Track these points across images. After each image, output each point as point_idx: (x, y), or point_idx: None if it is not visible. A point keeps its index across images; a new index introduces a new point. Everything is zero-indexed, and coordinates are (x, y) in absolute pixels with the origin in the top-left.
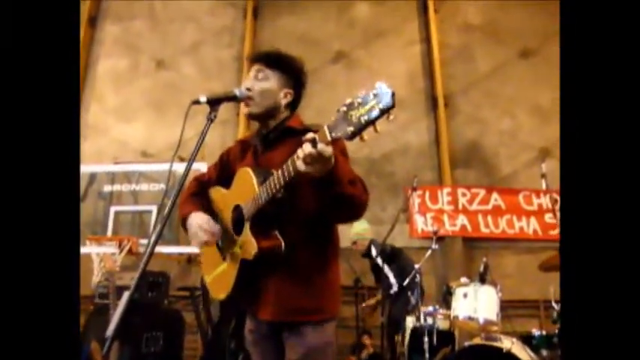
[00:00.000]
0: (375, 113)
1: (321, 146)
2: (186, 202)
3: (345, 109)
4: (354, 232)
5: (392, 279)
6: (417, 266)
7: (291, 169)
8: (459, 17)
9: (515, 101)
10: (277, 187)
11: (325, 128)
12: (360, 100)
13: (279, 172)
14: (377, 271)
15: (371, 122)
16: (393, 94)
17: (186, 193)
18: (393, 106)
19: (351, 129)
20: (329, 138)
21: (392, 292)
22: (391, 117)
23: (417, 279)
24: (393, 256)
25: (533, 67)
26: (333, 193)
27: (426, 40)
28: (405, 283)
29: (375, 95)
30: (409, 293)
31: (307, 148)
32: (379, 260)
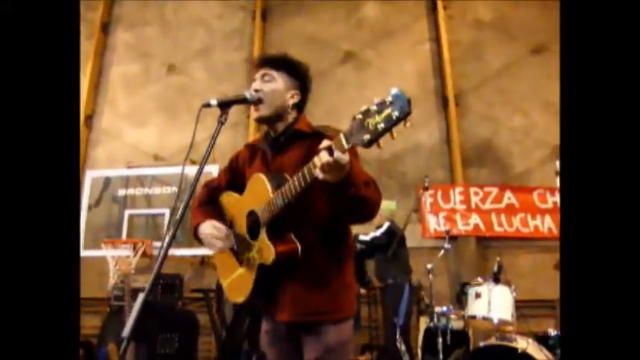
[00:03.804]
0: (392, 121)
1: (337, 154)
2: (195, 212)
3: (361, 116)
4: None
5: (366, 237)
6: (429, 266)
7: (307, 176)
8: (469, 14)
9: (527, 98)
10: (293, 193)
11: (341, 136)
12: (375, 107)
13: (295, 178)
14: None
15: (388, 130)
16: (409, 101)
17: (196, 203)
18: (409, 113)
19: (367, 137)
20: (346, 146)
21: (358, 244)
22: (408, 124)
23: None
24: (399, 241)
25: (546, 63)
26: (348, 195)
27: (436, 38)
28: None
29: (392, 102)
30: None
31: (324, 156)
32: (381, 232)
